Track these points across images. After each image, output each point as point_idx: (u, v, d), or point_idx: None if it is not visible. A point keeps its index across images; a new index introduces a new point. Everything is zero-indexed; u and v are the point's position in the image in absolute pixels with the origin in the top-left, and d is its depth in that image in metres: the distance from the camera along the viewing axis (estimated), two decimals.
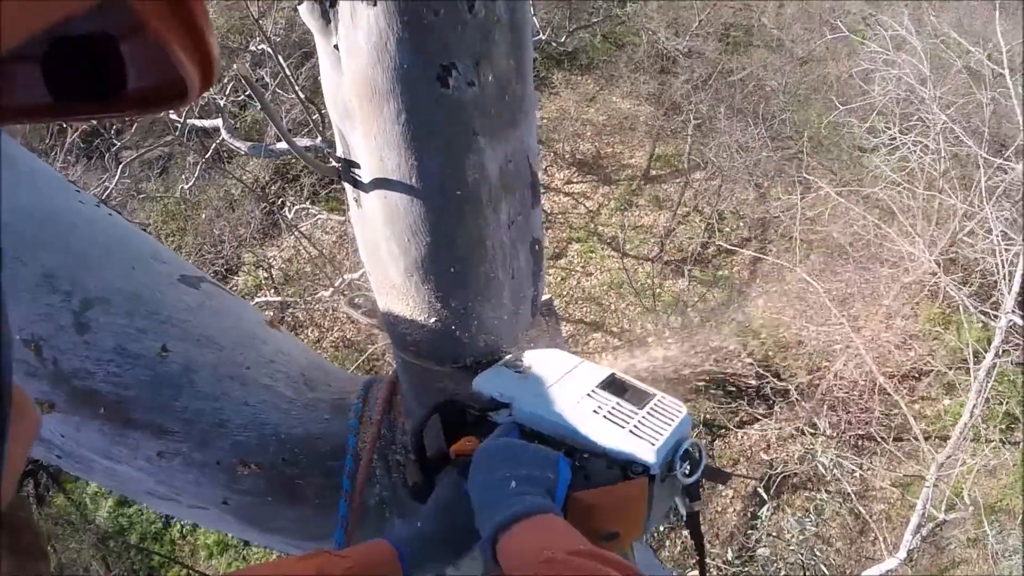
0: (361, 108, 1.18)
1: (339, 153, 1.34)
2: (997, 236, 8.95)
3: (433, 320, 1.46)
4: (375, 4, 1.04)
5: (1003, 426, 10.58)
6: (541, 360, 1.55)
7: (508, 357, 1.57)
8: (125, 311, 1.44)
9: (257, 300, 11.01)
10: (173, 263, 1.62)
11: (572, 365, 1.52)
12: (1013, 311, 8.24)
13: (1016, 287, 8.27)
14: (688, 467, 1.35)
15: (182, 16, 0.47)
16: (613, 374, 1.49)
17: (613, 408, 1.38)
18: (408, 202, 1.27)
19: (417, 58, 1.10)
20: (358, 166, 1.31)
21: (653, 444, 1.30)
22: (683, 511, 1.46)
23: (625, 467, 1.30)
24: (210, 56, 0.51)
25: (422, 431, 1.50)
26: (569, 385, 1.45)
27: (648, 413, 1.37)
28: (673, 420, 1.37)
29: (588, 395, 1.41)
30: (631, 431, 1.32)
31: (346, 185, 1.38)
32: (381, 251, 1.40)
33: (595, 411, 1.37)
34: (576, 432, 1.35)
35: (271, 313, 11.04)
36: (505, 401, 1.44)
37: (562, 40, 12.35)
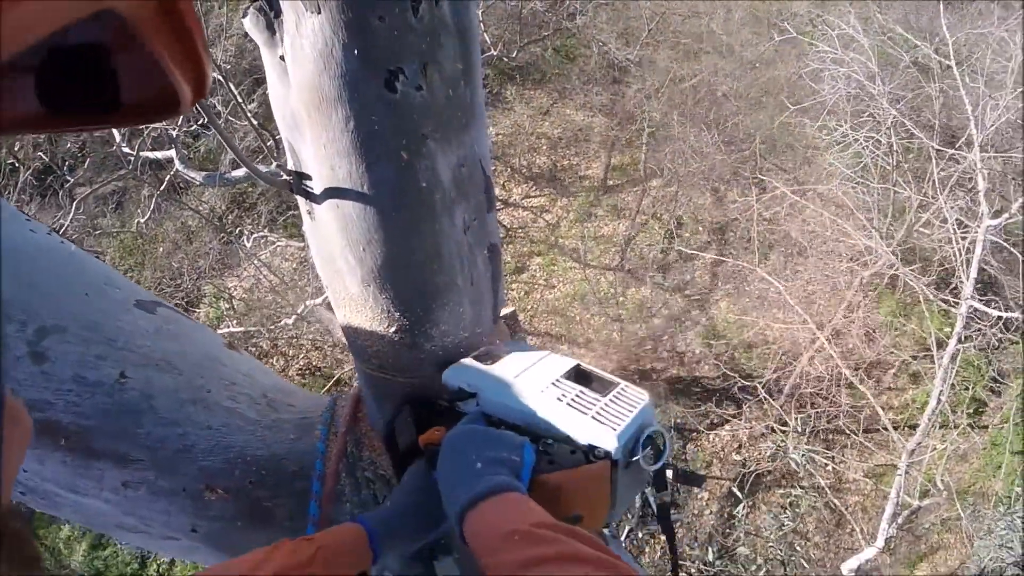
0: (310, 117, 1.18)
1: (289, 166, 1.33)
2: (952, 225, 9.16)
3: (393, 330, 1.45)
4: (319, 12, 1.04)
5: (971, 411, 10.78)
6: (507, 353, 1.57)
7: (478, 351, 1.58)
8: (81, 339, 1.42)
9: (220, 332, 10.87)
10: (127, 289, 1.60)
11: (538, 357, 1.55)
12: (972, 296, 8.41)
13: (974, 273, 8.44)
14: (652, 454, 1.37)
15: (176, 29, 0.48)
16: (578, 364, 1.52)
17: (576, 396, 1.40)
18: (361, 210, 1.26)
19: (363, 64, 1.09)
20: (309, 178, 1.30)
21: (614, 429, 1.32)
22: (652, 504, 1.48)
23: (588, 452, 1.33)
24: (203, 68, 0.52)
25: (393, 423, 1.55)
26: (534, 375, 1.47)
27: (610, 400, 1.39)
28: (635, 407, 1.39)
29: (552, 384, 1.43)
30: (593, 417, 1.34)
31: (298, 198, 1.37)
32: (337, 262, 1.39)
33: (559, 399, 1.39)
34: (540, 419, 1.38)
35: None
36: (472, 391, 1.47)
37: (514, 55, 12.40)
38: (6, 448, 0.47)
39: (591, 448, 1.33)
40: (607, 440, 1.32)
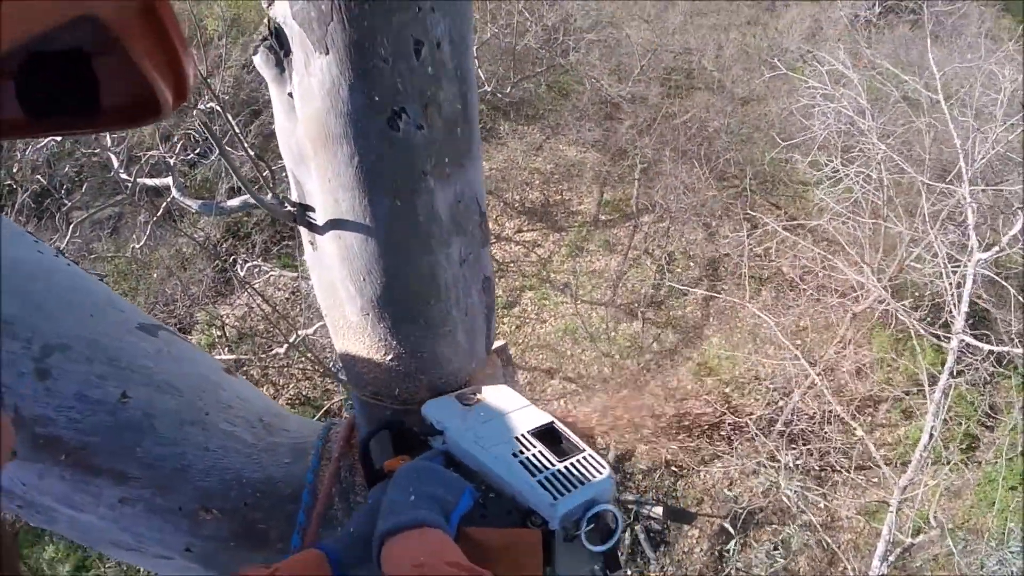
0: (315, 152, 1.23)
1: (294, 198, 1.38)
2: (943, 259, 9.18)
3: (389, 358, 1.49)
4: (327, 52, 1.10)
5: (963, 446, 10.78)
6: (491, 397, 1.58)
7: (464, 390, 1.59)
8: (85, 358, 1.45)
9: None
10: (130, 312, 1.63)
11: (517, 407, 1.55)
12: (964, 331, 8.43)
13: (964, 307, 8.47)
14: (596, 533, 1.33)
15: (156, 33, 0.49)
16: (552, 423, 1.50)
17: (533, 455, 1.38)
18: (363, 242, 1.31)
19: (368, 103, 1.15)
20: (313, 209, 1.35)
21: (555, 499, 1.29)
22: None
23: (525, 515, 1.31)
24: (182, 72, 0.53)
25: (369, 443, 1.56)
26: (504, 425, 1.47)
27: (565, 468, 1.36)
28: (587, 480, 1.35)
29: (517, 438, 1.43)
30: (540, 481, 1.32)
31: (301, 229, 1.42)
32: (338, 292, 1.44)
33: (515, 454, 1.38)
34: (491, 471, 1.37)
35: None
36: (440, 429, 1.48)
37: (507, 91, 12.51)
38: None
39: (529, 512, 1.31)
40: (545, 508, 1.29)
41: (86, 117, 0.55)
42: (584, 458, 1.40)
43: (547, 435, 1.47)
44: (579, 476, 1.35)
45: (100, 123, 0.56)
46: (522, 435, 1.44)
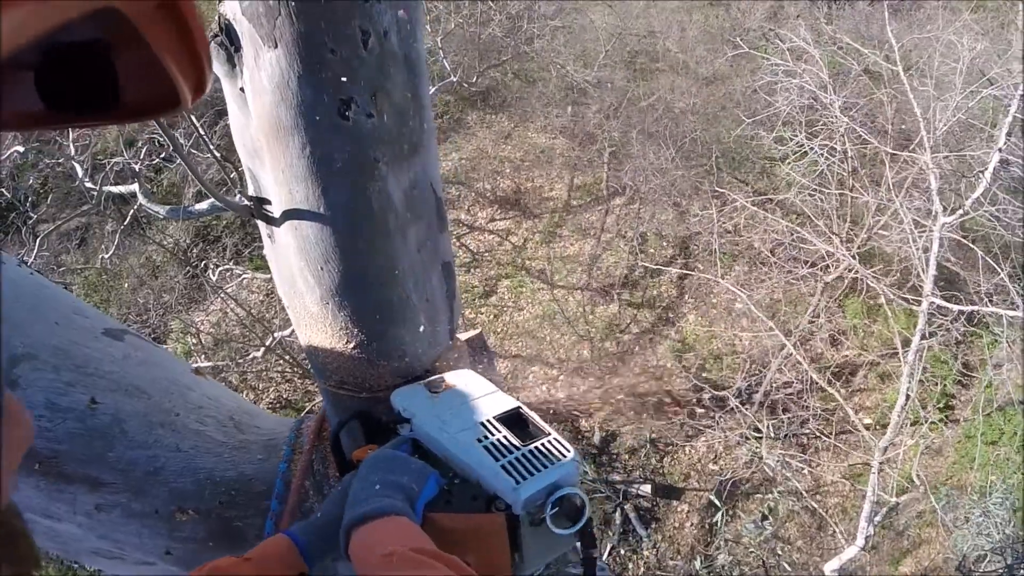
0: (268, 145, 1.24)
1: (250, 192, 1.39)
2: (909, 225, 9.36)
3: (352, 346, 1.50)
4: (276, 46, 1.11)
5: (940, 405, 10.99)
6: (460, 384, 1.59)
7: (433, 377, 1.60)
8: (52, 366, 1.45)
9: None
10: (95, 318, 1.64)
11: (484, 392, 1.56)
12: (933, 293, 8.58)
13: (932, 271, 8.62)
14: (563, 516, 1.32)
15: (177, 27, 0.49)
16: (518, 408, 1.51)
17: (497, 440, 1.39)
18: (319, 231, 1.32)
19: (317, 94, 1.16)
20: (269, 202, 1.36)
21: (517, 483, 1.29)
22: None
23: (489, 501, 1.32)
24: (203, 67, 0.53)
25: (339, 433, 1.58)
26: (470, 411, 1.48)
27: (529, 452, 1.37)
28: (550, 464, 1.35)
29: (482, 424, 1.44)
30: (503, 466, 1.33)
31: (259, 223, 1.42)
32: (297, 282, 1.45)
33: (479, 440, 1.39)
34: (455, 456, 1.39)
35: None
36: (407, 416, 1.49)
37: (474, 80, 12.47)
38: (5, 450, 0.46)
39: (493, 497, 1.32)
40: (507, 493, 1.30)
41: (105, 109, 0.55)
42: (549, 441, 1.40)
43: (513, 420, 1.47)
44: (542, 460, 1.35)
45: (119, 116, 0.56)
46: (487, 420, 1.45)
